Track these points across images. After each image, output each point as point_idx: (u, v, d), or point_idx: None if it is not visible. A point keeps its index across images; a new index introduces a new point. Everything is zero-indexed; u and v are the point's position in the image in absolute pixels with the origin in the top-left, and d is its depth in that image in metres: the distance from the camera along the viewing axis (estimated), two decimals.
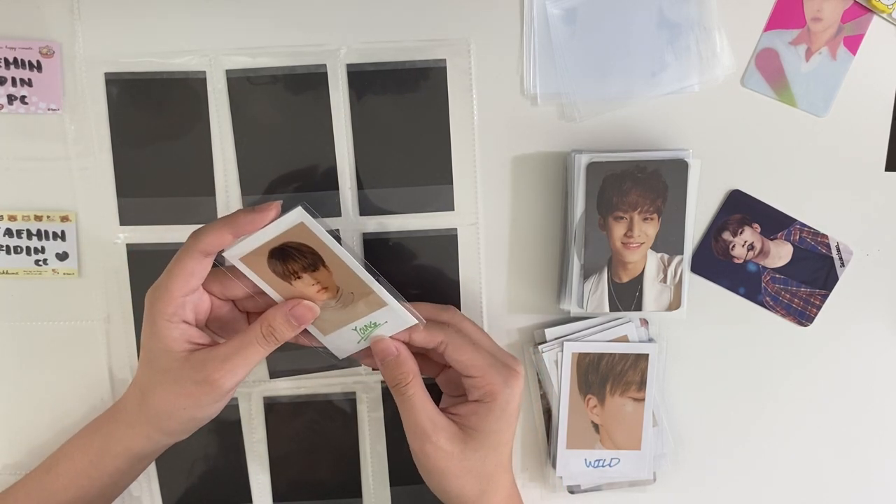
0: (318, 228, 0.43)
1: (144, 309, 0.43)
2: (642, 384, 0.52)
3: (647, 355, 0.52)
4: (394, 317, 0.45)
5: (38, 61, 0.49)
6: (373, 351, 0.46)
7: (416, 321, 0.45)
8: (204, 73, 0.50)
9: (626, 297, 0.50)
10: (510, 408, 0.45)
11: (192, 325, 0.44)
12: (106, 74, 0.50)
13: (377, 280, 0.44)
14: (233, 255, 0.44)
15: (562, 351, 0.51)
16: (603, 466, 0.53)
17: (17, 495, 0.48)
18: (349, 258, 0.43)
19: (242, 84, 0.50)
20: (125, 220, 0.51)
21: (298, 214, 0.42)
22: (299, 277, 0.44)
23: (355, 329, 0.46)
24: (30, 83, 0.49)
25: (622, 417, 0.52)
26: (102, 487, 0.47)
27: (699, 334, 0.54)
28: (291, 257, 0.44)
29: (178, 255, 0.43)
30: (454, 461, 0.44)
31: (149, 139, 0.50)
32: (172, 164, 0.51)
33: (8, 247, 0.51)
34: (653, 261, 0.50)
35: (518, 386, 0.45)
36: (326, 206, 0.51)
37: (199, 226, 0.43)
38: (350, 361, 0.53)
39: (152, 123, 0.50)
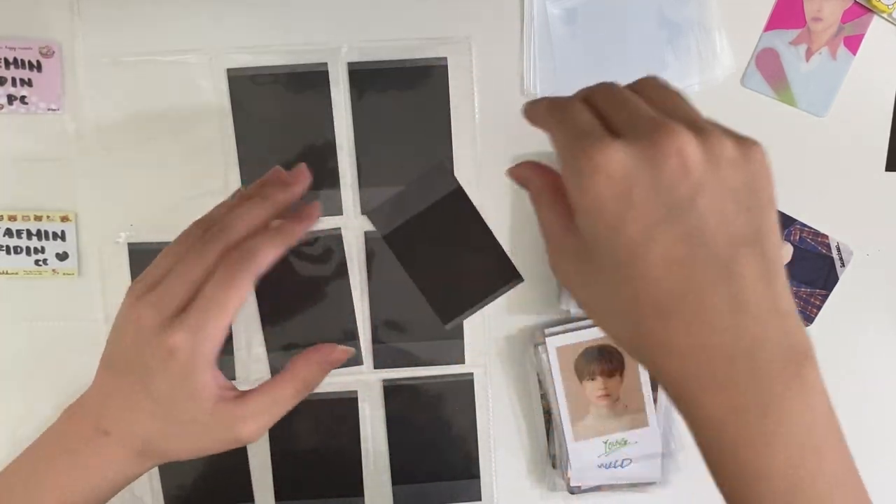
0: None
1: (168, 355, 0.37)
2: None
3: None
4: (648, 440, 0.51)
5: (38, 61, 0.49)
6: (510, 172, 0.39)
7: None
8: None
9: None
10: (588, 206, 0.30)
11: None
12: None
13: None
14: (554, 341, 0.50)
15: (545, 347, 0.51)
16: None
17: None
18: (645, 373, 0.50)
19: (244, 83, 0.50)
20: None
21: None
22: (593, 379, 0.50)
23: (605, 442, 0.51)
24: (30, 83, 0.49)
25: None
26: None
27: None
28: (600, 359, 0.50)
29: (228, 283, 0.37)
30: (582, 287, 0.34)
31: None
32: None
33: (8, 247, 0.51)
34: None
35: (587, 172, 0.30)
36: (328, 204, 0.51)
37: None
38: (352, 359, 0.53)
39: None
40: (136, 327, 0.38)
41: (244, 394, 0.39)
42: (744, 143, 0.31)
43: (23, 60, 0.49)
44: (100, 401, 0.40)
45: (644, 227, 0.29)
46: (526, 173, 0.38)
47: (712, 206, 0.29)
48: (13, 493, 0.41)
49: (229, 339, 0.53)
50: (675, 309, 0.30)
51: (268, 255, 0.38)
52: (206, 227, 0.40)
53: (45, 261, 0.51)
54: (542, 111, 0.35)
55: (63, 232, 0.51)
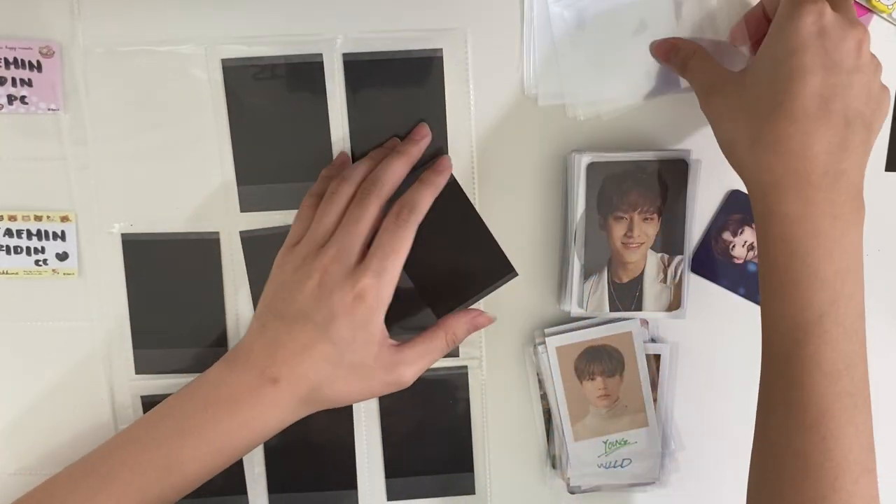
0: (640, 342, 0.50)
1: (358, 299, 0.43)
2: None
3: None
4: (648, 440, 0.52)
5: (38, 61, 0.49)
6: (655, 50, 0.49)
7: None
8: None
9: (626, 297, 0.50)
10: (788, 30, 0.41)
11: None
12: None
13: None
14: (554, 341, 0.50)
15: (545, 347, 0.52)
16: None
17: (126, 489, 0.43)
18: (645, 373, 0.51)
19: (239, 73, 0.50)
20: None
21: (632, 325, 0.50)
22: (593, 379, 0.51)
23: (605, 442, 0.51)
24: (30, 83, 0.49)
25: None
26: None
27: (699, 334, 0.54)
28: (600, 359, 0.51)
29: (399, 234, 0.44)
30: (728, 100, 0.43)
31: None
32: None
33: (8, 247, 0.51)
34: (653, 261, 0.50)
35: (802, 7, 0.40)
36: None
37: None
38: None
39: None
40: (320, 279, 0.43)
41: (403, 342, 0.46)
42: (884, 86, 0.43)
43: (23, 60, 0.49)
44: (266, 351, 0.44)
45: (819, 62, 0.39)
46: (675, 42, 0.48)
47: (857, 86, 0.40)
48: (169, 440, 0.43)
49: (224, 337, 0.53)
50: (802, 120, 0.39)
51: (426, 206, 0.46)
52: (350, 184, 0.46)
53: (45, 261, 0.51)
54: None
55: (63, 232, 0.51)
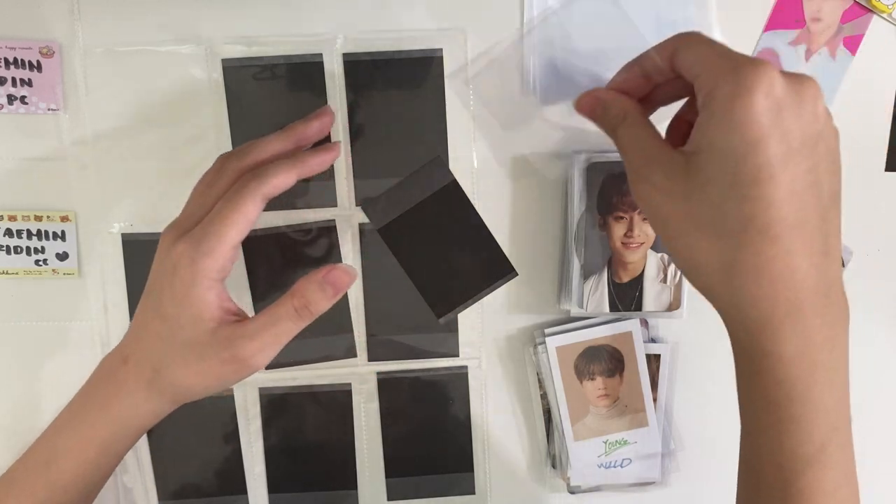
0: (640, 342, 0.51)
1: (173, 269, 0.38)
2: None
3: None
4: (648, 440, 0.52)
5: (38, 61, 0.49)
6: (578, 105, 0.40)
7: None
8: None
9: (626, 297, 0.50)
10: (737, 114, 0.31)
11: (223, 286, 0.40)
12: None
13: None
14: (554, 341, 0.51)
15: (545, 346, 0.52)
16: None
17: (18, 492, 0.42)
18: (645, 373, 0.51)
19: (239, 73, 0.50)
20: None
21: (632, 325, 0.50)
22: (593, 379, 0.51)
23: (605, 442, 0.52)
24: (30, 83, 0.49)
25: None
26: (108, 472, 0.43)
27: (699, 334, 0.54)
28: (600, 359, 0.51)
29: (233, 200, 0.38)
30: (675, 202, 0.34)
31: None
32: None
33: (8, 247, 0.51)
34: (653, 261, 0.50)
35: (749, 81, 0.31)
36: (322, 196, 0.51)
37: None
38: (346, 351, 0.53)
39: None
40: (157, 249, 0.40)
41: (248, 318, 0.40)
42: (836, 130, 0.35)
43: (23, 60, 0.49)
44: (128, 331, 0.42)
45: (785, 150, 0.32)
46: (603, 97, 0.39)
47: (825, 154, 0.33)
48: (49, 434, 0.43)
49: None
50: (783, 235, 0.32)
51: (278, 179, 0.40)
52: (223, 158, 0.42)
53: (45, 261, 0.51)
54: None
55: (63, 232, 0.51)
